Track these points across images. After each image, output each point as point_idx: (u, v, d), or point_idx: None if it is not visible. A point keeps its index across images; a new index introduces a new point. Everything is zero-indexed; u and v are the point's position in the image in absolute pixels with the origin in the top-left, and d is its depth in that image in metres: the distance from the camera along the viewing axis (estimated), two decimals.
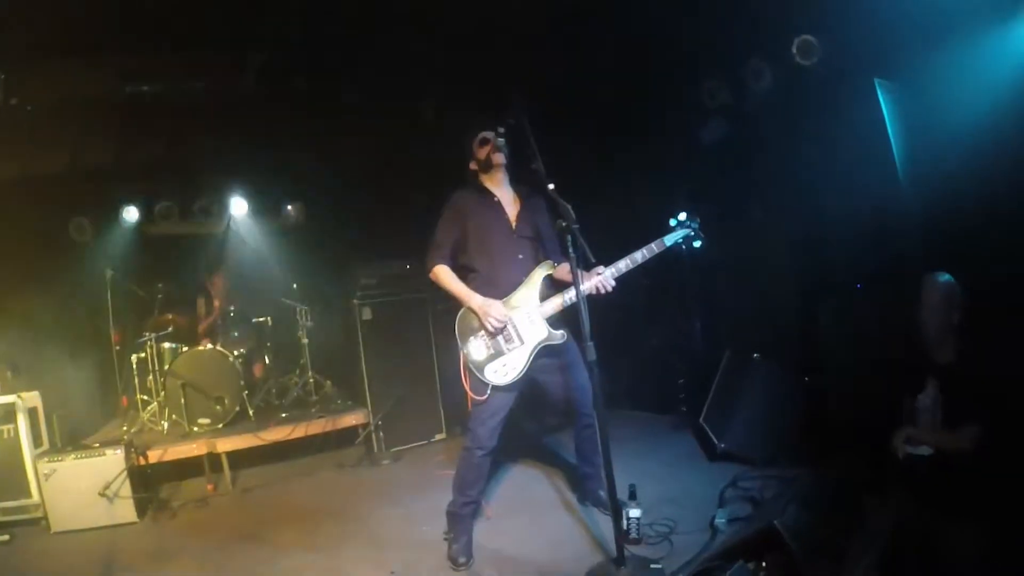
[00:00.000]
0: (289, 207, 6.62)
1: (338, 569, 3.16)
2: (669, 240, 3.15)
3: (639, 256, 3.09)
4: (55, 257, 5.65)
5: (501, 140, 3.13)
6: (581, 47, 4.71)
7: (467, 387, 3.11)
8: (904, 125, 3.92)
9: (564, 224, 2.70)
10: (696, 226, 3.21)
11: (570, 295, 3.07)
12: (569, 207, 2.71)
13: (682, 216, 3.21)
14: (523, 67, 4.75)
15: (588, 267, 2.98)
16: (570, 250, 2.71)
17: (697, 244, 3.22)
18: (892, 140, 3.90)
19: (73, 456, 4.00)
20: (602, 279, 3.01)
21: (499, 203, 3.28)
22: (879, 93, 3.91)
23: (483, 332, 3.11)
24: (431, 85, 5.42)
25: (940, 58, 3.55)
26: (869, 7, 3.69)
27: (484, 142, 3.24)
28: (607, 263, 3.06)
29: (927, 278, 2.99)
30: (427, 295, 5.30)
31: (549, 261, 3.22)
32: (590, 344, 2.66)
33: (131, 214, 6.04)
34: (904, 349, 3.18)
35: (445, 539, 3.25)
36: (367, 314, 5.23)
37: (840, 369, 4.10)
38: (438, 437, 5.41)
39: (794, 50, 4.14)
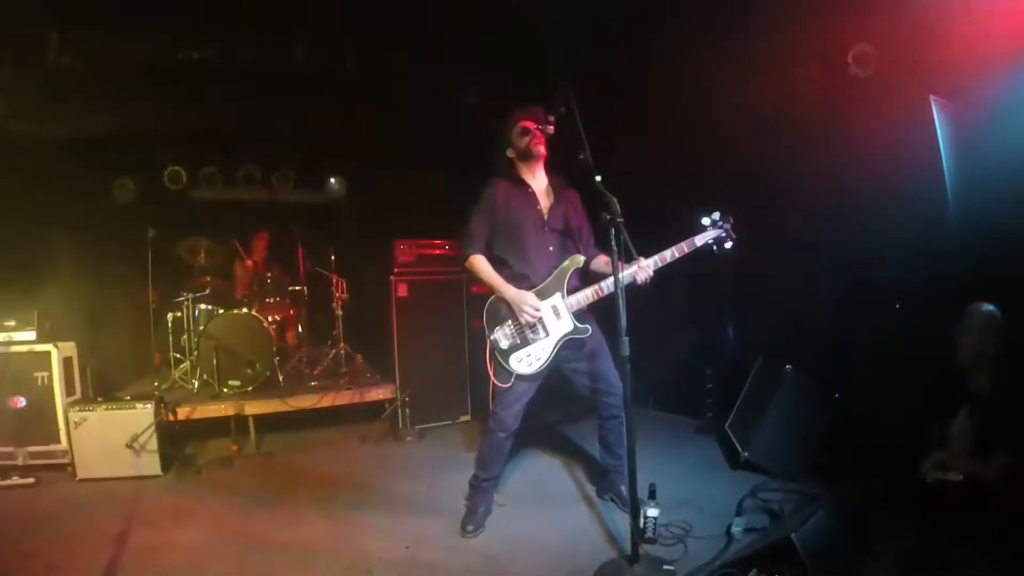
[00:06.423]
0: (332, 180, 6.68)
1: (354, 539, 3.20)
2: (700, 240, 3.08)
3: (668, 255, 3.04)
4: (98, 216, 5.77)
5: (550, 129, 3.03)
6: (624, 41, 4.70)
7: (491, 374, 3.18)
8: (957, 146, 3.83)
9: (608, 217, 2.66)
10: (728, 227, 3.12)
11: (600, 287, 3.06)
12: (615, 200, 2.66)
13: (715, 216, 3.12)
14: (567, 55, 4.74)
15: (629, 260, 2.88)
16: (612, 243, 2.66)
17: (728, 245, 3.12)
18: (944, 160, 3.82)
19: (104, 407, 4.10)
20: (642, 268, 2.94)
21: (533, 194, 3.26)
22: (934, 111, 3.83)
23: (510, 321, 3.15)
24: (476, 69, 5.45)
25: (998, 80, 3.46)
26: (929, 24, 3.61)
27: (525, 131, 3.17)
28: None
29: (971, 307, 3.03)
30: (463, 277, 5.32)
31: (578, 255, 3.21)
32: (625, 339, 2.62)
33: (175, 177, 6.14)
34: (939, 374, 3.15)
35: (464, 505, 3.40)
36: (402, 291, 5.25)
37: (870, 387, 4.03)
38: (463, 418, 5.45)
39: (849, 59, 4.09)
